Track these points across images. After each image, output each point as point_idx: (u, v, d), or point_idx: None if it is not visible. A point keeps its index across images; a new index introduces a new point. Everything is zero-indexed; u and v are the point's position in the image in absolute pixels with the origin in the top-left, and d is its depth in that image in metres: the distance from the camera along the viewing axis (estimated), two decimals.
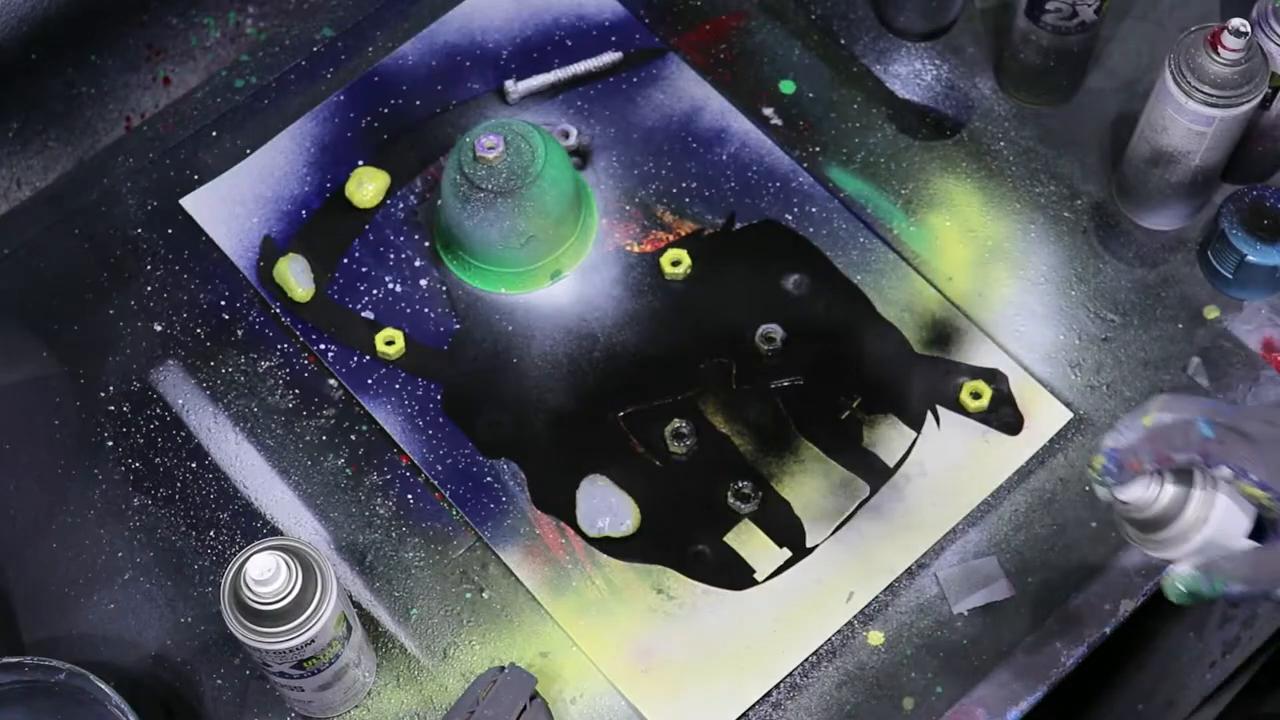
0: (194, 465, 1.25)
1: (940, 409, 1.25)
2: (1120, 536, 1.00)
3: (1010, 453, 1.23)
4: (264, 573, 1.01)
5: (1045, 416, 1.24)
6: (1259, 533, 0.94)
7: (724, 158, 1.36)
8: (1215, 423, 0.93)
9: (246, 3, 1.49)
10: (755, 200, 1.34)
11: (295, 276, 1.32)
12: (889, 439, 1.24)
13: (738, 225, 1.33)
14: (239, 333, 1.30)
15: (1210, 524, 0.94)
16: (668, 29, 1.42)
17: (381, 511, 1.23)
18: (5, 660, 1.10)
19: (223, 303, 1.31)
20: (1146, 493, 0.95)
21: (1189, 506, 0.94)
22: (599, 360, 1.28)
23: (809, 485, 1.23)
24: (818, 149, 1.36)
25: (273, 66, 1.41)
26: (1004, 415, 1.25)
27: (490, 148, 1.25)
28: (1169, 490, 0.95)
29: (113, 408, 1.27)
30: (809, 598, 1.19)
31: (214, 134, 1.38)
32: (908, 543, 1.20)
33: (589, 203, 1.34)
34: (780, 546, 1.21)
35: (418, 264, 1.33)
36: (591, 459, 1.24)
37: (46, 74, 1.38)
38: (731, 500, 1.22)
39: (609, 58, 1.40)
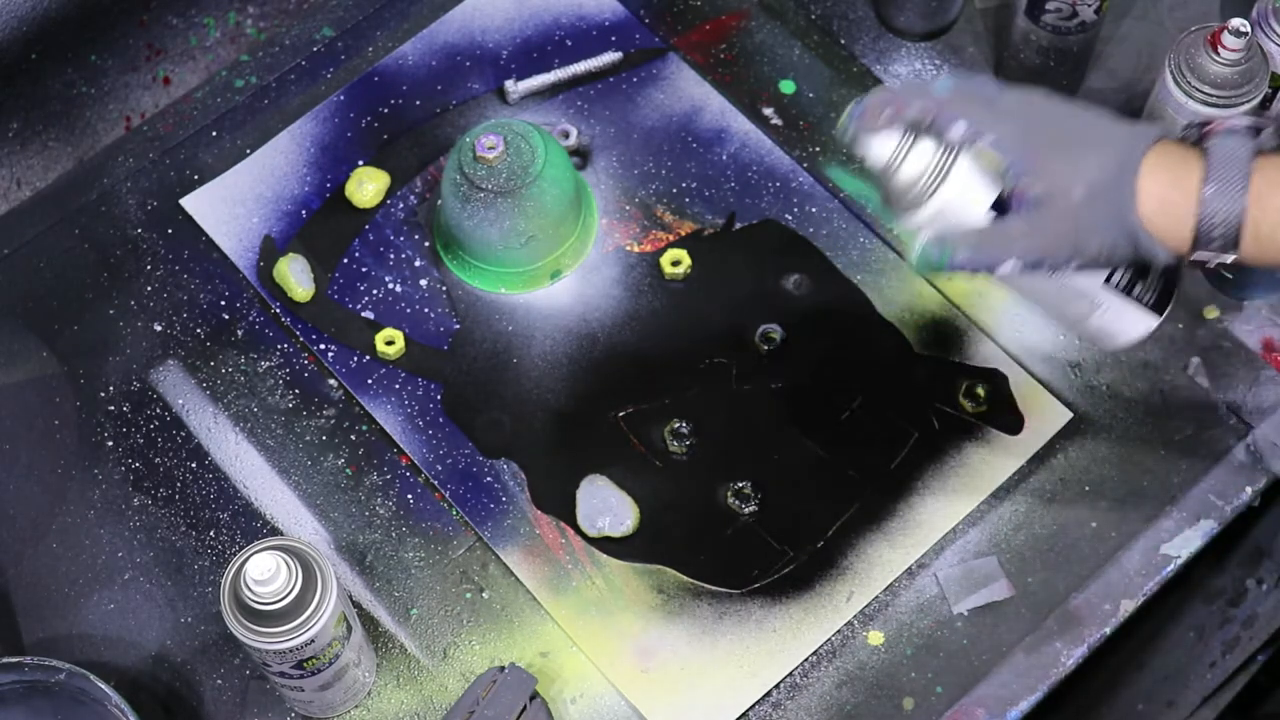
0: (194, 465, 1.25)
1: (940, 409, 1.25)
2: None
3: (1010, 453, 1.23)
4: (264, 573, 1.01)
5: (1045, 416, 1.24)
6: (1001, 211, 0.95)
7: (724, 158, 1.36)
8: (960, 83, 0.94)
9: (246, 3, 1.49)
10: (755, 200, 1.34)
11: (295, 276, 1.32)
12: (889, 439, 1.24)
13: (738, 225, 1.33)
14: (239, 333, 1.30)
15: (947, 186, 0.95)
16: (668, 29, 1.42)
17: (381, 511, 1.23)
18: (5, 660, 1.10)
19: (223, 303, 1.31)
20: (889, 149, 0.96)
21: (928, 166, 0.95)
22: (599, 360, 1.28)
23: (809, 485, 1.23)
24: (818, 149, 1.36)
25: (273, 66, 1.41)
26: (1004, 415, 1.25)
27: (490, 148, 1.25)
28: (915, 153, 0.95)
29: (113, 408, 1.27)
30: (809, 598, 1.19)
31: (214, 134, 1.38)
32: (908, 543, 1.20)
33: (589, 203, 1.34)
34: (780, 546, 1.21)
35: (418, 264, 1.33)
36: (591, 459, 1.24)
37: (46, 74, 1.38)
38: (731, 500, 1.22)
39: (609, 58, 1.40)
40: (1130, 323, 0.99)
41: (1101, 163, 0.91)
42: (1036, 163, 0.92)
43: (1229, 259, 0.91)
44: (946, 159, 0.95)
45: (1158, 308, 0.98)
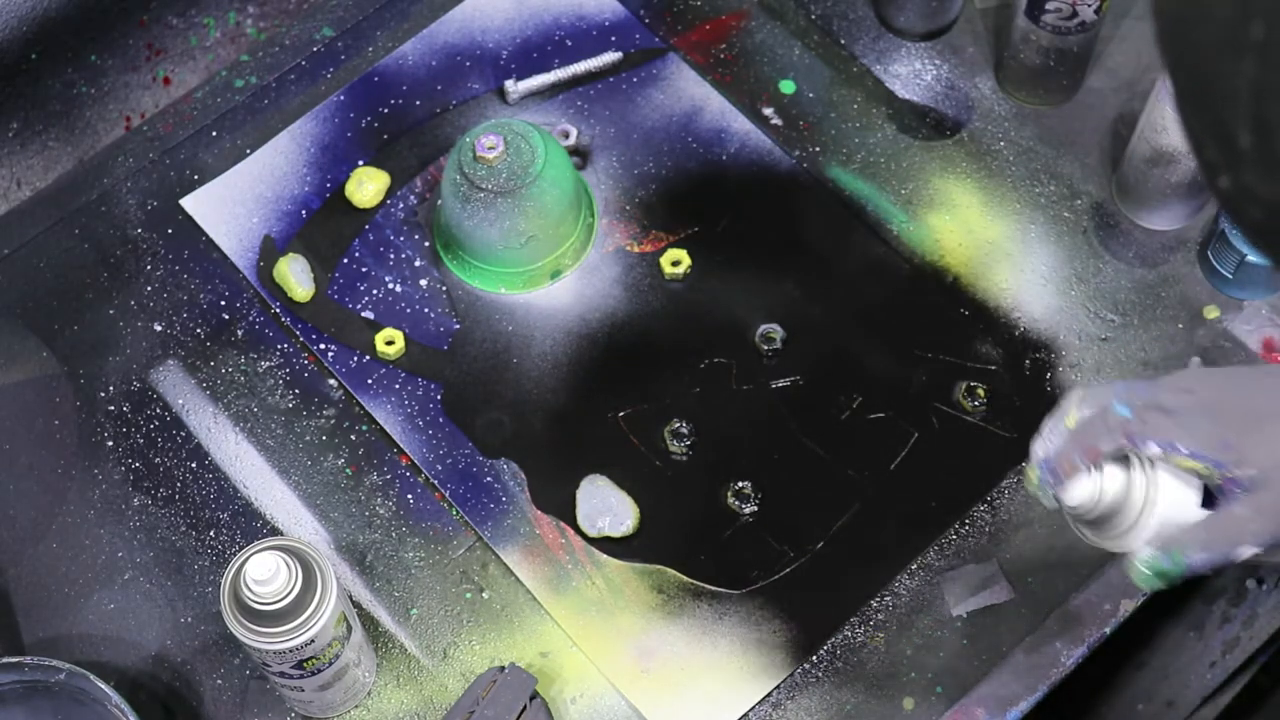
0: (194, 465, 1.25)
1: (940, 409, 1.25)
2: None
3: (1010, 453, 1.23)
4: (264, 573, 1.01)
5: (1045, 417, 1.24)
6: (1210, 501, 0.94)
7: (724, 158, 1.36)
8: (1131, 401, 0.92)
9: (246, 3, 1.49)
10: (755, 200, 1.34)
11: (295, 276, 1.32)
12: (889, 439, 1.24)
13: (738, 225, 1.33)
14: (239, 333, 1.30)
15: (1159, 504, 0.93)
16: (668, 29, 1.42)
17: (381, 511, 1.23)
18: (5, 660, 1.10)
19: (223, 303, 1.32)
20: (1090, 491, 0.94)
21: (1133, 493, 0.94)
22: (599, 360, 1.28)
23: (809, 485, 1.23)
24: (818, 149, 1.36)
25: (273, 66, 1.41)
26: (1004, 415, 1.25)
27: (490, 148, 1.25)
28: (1110, 483, 0.94)
29: (113, 408, 1.27)
30: (809, 598, 1.19)
31: (214, 134, 1.38)
32: (908, 543, 1.20)
33: (589, 203, 1.34)
34: (780, 546, 1.21)
35: (418, 264, 1.33)
36: (591, 459, 1.24)
37: (46, 74, 1.38)
38: (731, 500, 1.22)
39: (609, 58, 1.40)
40: None
41: None
42: (1237, 451, 0.91)
43: None
44: (1148, 479, 0.93)
45: None
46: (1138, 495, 0.93)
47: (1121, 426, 0.92)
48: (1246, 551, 0.92)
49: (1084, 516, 0.96)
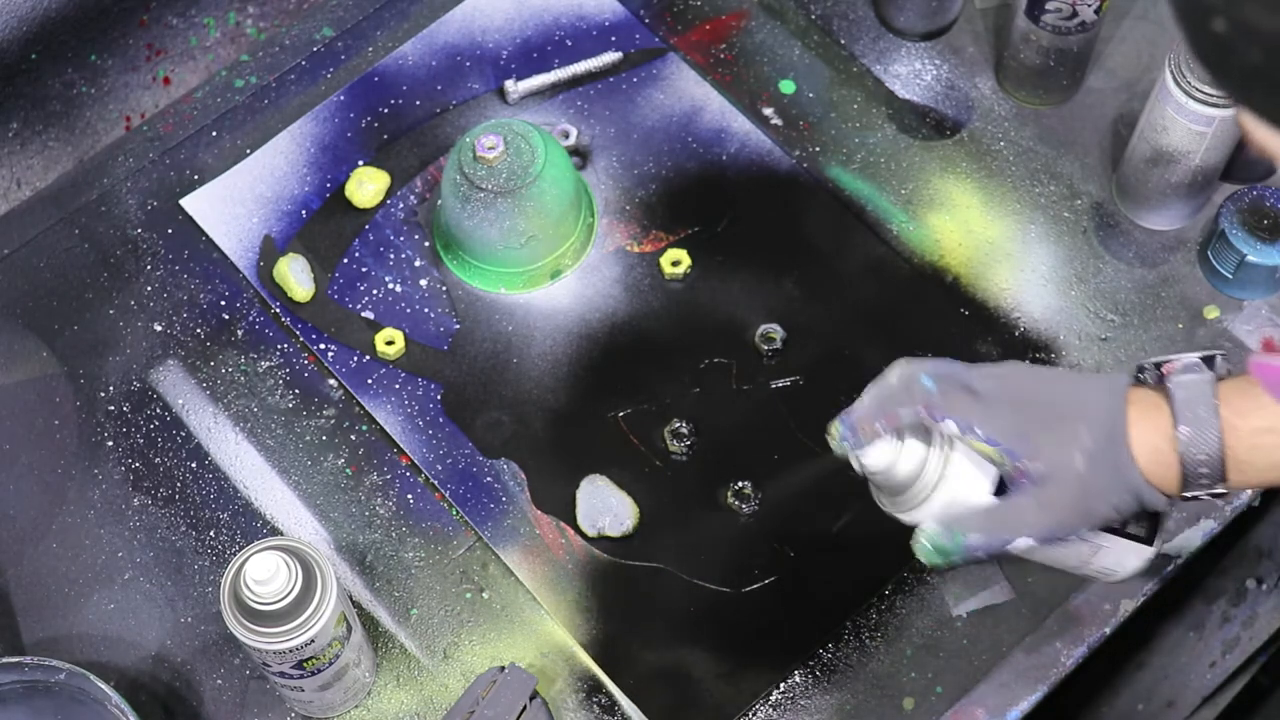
0: (194, 465, 1.25)
1: None
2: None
3: None
4: (264, 573, 1.01)
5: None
6: (1003, 492, 0.96)
7: (724, 158, 1.36)
8: (939, 377, 0.94)
9: (246, 3, 1.49)
10: (755, 200, 1.34)
11: (295, 276, 1.32)
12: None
13: (738, 225, 1.33)
14: (239, 333, 1.30)
15: (949, 481, 0.95)
16: (668, 29, 1.42)
17: (381, 511, 1.23)
18: (5, 660, 1.10)
19: (223, 303, 1.31)
20: (887, 456, 0.96)
21: (927, 465, 0.95)
22: (599, 360, 1.28)
23: (809, 485, 1.23)
24: (818, 149, 1.36)
25: (273, 66, 1.41)
26: None
27: (490, 148, 1.25)
28: (909, 452, 0.96)
29: (113, 408, 1.27)
30: (809, 598, 1.19)
31: (214, 134, 1.38)
32: (908, 543, 1.20)
33: (589, 203, 1.34)
34: (780, 546, 1.21)
35: (418, 264, 1.33)
36: (591, 459, 1.24)
37: (46, 74, 1.38)
38: (731, 500, 1.22)
39: (609, 58, 1.40)
40: (1129, 558, 0.99)
41: (1092, 430, 0.92)
42: (1032, 444, 0.93)
43: (1219, 490, 0.92)
44: (943, 456, 0.95)
45: (1149, 538, 0.99)
46: (931, 469, 0.95)
47: (923, 397, 0.94)
48: (1023, 543, 0.94)
49: (880, 481, 0.98)
